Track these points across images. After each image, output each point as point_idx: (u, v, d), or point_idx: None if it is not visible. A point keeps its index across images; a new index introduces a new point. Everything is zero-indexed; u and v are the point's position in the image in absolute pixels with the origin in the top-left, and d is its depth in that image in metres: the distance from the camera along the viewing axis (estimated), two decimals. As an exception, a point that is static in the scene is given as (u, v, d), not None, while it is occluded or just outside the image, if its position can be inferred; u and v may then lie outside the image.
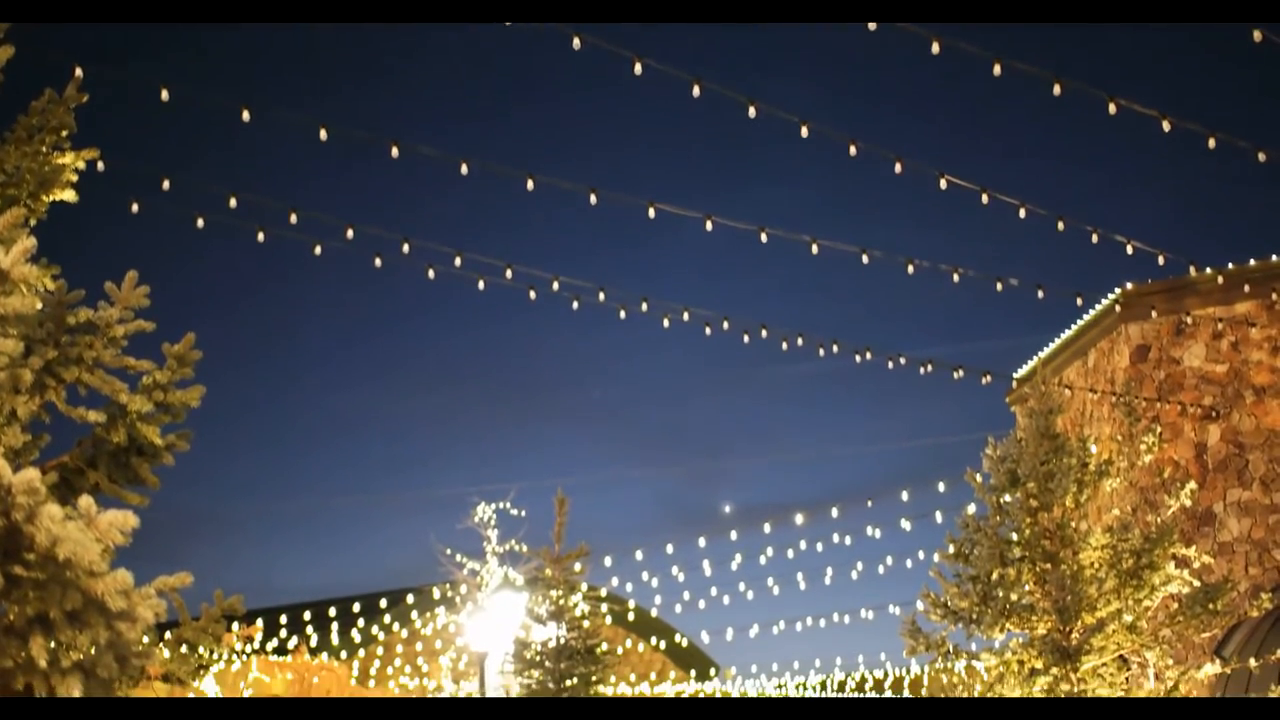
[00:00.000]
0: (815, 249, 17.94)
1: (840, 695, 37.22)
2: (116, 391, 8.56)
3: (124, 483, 8.87)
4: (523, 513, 29.14)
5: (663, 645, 38.30)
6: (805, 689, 39.22)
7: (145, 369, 8.74)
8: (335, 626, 31.99)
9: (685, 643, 38.36)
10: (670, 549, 29.91)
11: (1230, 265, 23.53)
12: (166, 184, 15.93)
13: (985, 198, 17.01)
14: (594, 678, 20.30)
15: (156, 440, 8.74)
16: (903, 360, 20.43)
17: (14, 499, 5.85)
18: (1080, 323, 25.38)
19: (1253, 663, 14.04)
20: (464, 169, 16.22)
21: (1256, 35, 13.24)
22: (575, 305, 19.31)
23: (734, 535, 29.93)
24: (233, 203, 16.32)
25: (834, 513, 27.71)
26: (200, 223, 16.34)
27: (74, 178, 9.93)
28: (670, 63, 14.10)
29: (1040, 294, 19.32)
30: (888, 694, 39.12)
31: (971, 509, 14.94)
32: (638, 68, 13.79)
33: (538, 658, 20.43)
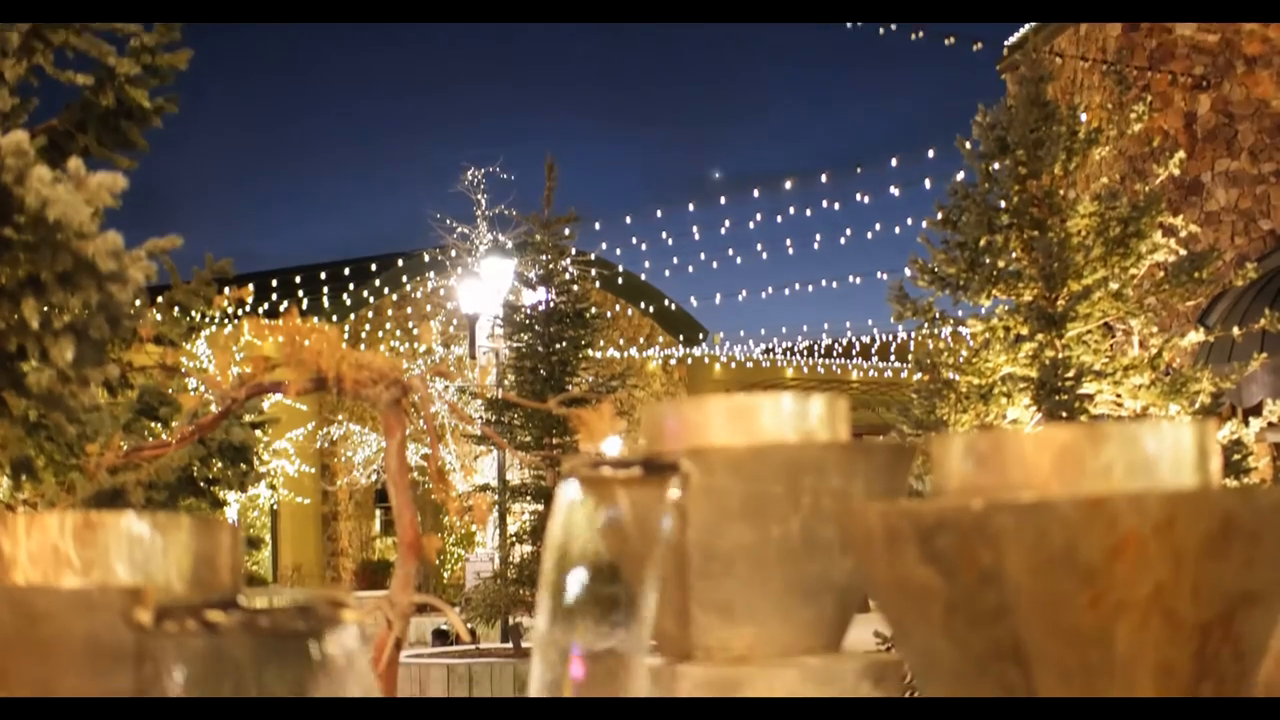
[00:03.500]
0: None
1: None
2: (104, 54, 8.47)
3: (113, 146, 8.84)
4: (511, 177, 29.06)
5: (651, 310, 38.55)
6: (792, 354, 39.66)
7: (133, 31, 8.63)
8: (326, 290, 32.17)
9: (674, 307, 38.62)
10: (659, 214, 29.99)
11: (1227, -68, 23.14)
12: None
13: None
14: (583, 341, 20.51)
15: (145, 103, 8.68)
16: (893, 27, 20.22)
17: (3, 161, 5.83)
18: (1075, -11, 25.03)
19: (1236, 331, 14.15)
20: None
21: None
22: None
23: (723, 201, 29.98)
24: None
25: (823, 179, 27.71)
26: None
27: None
28: None
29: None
30: (874, 359, 39.58)
31: (960, 176, 14.90)
32: None
33: (527, 321, 20.61)
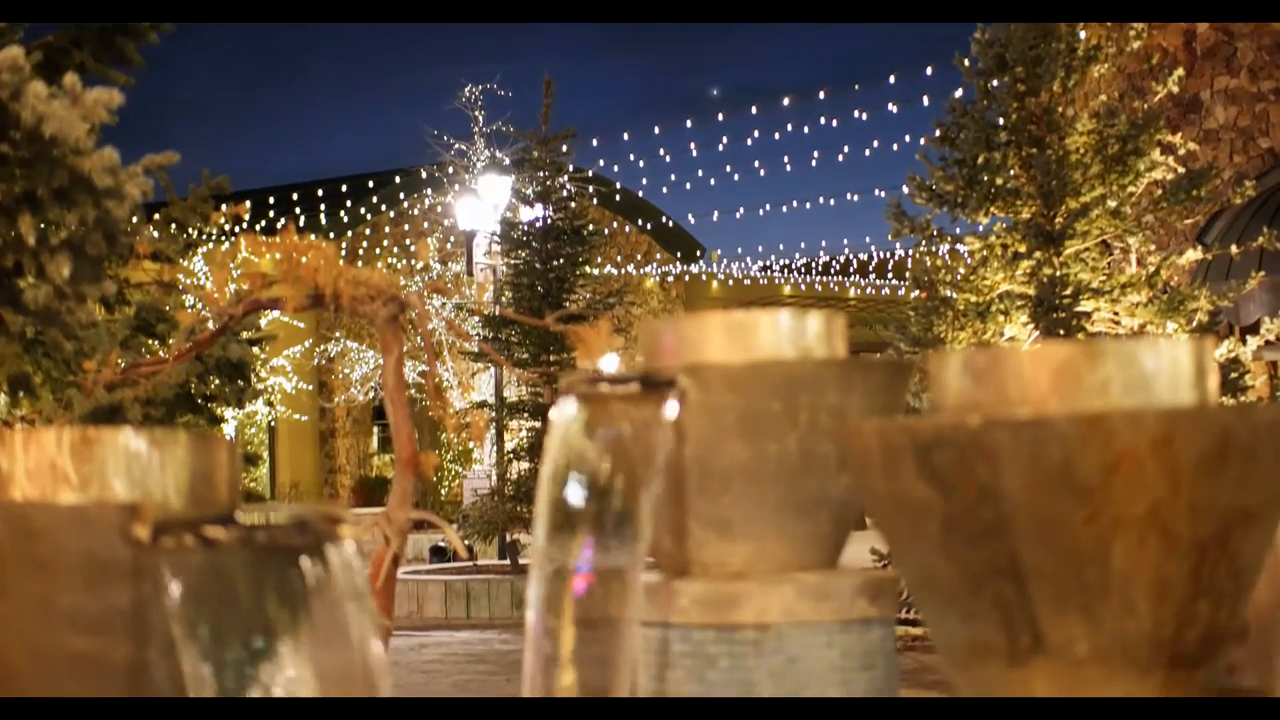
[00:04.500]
0: None
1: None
2: (99, -32, 8.41)
3: (109, 62, 8.79)
4: (509, 93, 28.87)
5: (649, 227, 38.43)
6: (790, 271, 39.61)
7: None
8: (323, 207, 32.06)
9: (671, 224, 38.50)
10: (657, 131, 29.90)
11: None
12: None
13: None
14: (580, 259, 20.47)
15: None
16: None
17: (-2, 77, 5.80)
18: (1077, -96, 24.77)
19: (1234, 249, 14.13)
20: None
21: None
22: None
23: (721, 118, 29.89)
24: None
25: (821, 96, 27.60)
26: None
27: None
28: None
29: None
30: (871, 276, 39.52)
31: (959, 93, 14.84)
32: None
33: (524, 238, 20.56)
